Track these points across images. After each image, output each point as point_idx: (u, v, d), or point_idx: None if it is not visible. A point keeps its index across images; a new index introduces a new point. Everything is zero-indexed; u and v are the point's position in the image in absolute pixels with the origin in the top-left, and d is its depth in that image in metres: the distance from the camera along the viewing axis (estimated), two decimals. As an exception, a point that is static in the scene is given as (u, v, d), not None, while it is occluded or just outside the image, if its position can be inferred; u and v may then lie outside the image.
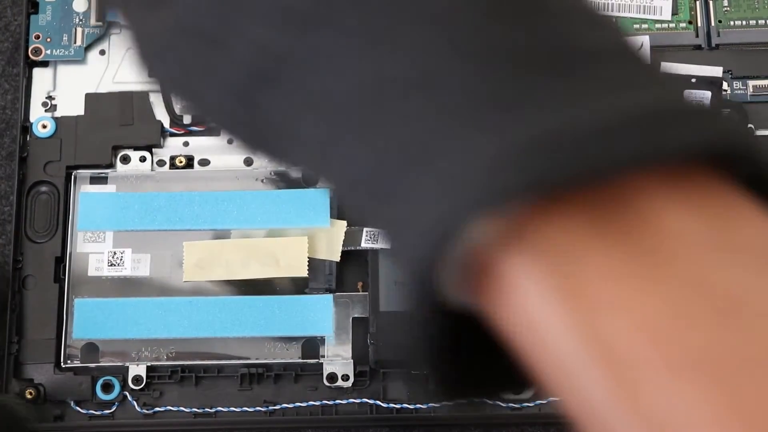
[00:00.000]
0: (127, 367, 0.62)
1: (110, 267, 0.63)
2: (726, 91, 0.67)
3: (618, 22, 0.23)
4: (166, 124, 0.67)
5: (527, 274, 0.20)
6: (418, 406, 0.62)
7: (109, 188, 0.65)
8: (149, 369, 0.62)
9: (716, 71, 0.66)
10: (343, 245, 0.63)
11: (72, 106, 0.67)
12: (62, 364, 0.62)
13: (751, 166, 0.20)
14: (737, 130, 0.20)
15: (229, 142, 0.66)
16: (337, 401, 0.62)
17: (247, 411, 0.62)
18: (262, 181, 0.65)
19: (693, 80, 0.66)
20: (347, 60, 0.22)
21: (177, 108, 0.66)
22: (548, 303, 0.20)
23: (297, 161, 0.25)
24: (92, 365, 0.62)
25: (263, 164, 0.66)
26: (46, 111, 0.67)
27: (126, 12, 0.27)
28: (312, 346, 0.62)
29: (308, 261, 0.62)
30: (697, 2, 0.68)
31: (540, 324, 0.20)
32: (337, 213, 0.64)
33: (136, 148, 0.66)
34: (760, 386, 0.18)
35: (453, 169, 0.20)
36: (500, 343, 0.22)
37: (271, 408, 0.62)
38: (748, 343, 0.18)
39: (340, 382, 0.62)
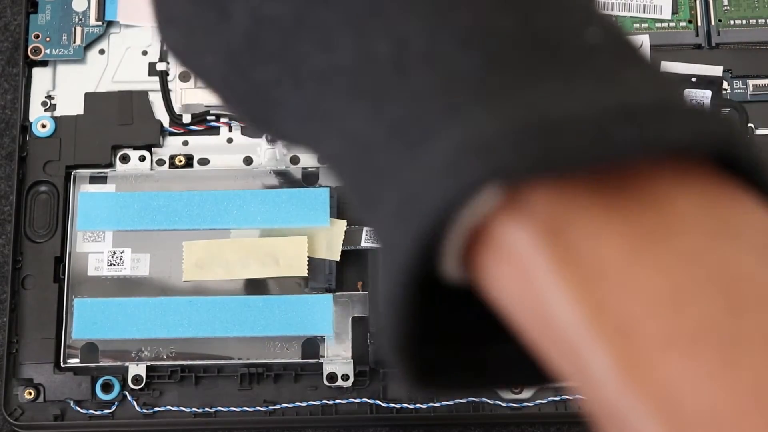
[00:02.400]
0: (127, 367, 0.62)
1: (110, 267, 0.63)
2: (726, 90, 0.67)
3: (617, 20, 0.23)
4: (166, 123, 0.66)
5: (533, 245, 0.20)
6: (418, 406, 0.62)
7: (108, 188, 0.65)
8: (149, 369, 0.62)
9: (716, 70, 0.66)
10: (343, 245, 0.63)
11: (71, 105, 0.67)
12: (62, 364, 0.62)
13: (748, 164, 0.21)
14: (737, 130, 0.20)
15: (229, 141, 0.66)
16: (337, 401, 0.62)
17: (247, 411, 0.62)
18: (265, 176, 0.65)
19: (693, 79, 0.66)
20: (344, 33, 0.22)
21: (177, 108, 0.66)
22: (552, 274, 0.20)
23: (286, 132, 0.25)
24: (92, 365, 0.62)
25: (263, 163, 0.65)
26: (45, 110, 0.67)
27: None
28: (312, 345, 0.62)
29: (308, 260, 0.62)
30: (697, 1, 0.68)
31: (543, 295, 0.20)
32: (336, 212, 0.64)
33: (136, 148, 0.66)
34: (757, 358, 0.18)
35: (462, 140, 0.20)
36: (499, 323, 0.22)
37: (271, 408, 0.62)
38: (745, 319, 0.19)
39: (340, 382, 0.62)
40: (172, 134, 0.67)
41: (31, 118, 0.67)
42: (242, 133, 0.66)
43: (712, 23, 0.68)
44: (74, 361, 0.62)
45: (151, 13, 0.27)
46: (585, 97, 0.20)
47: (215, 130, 0.67)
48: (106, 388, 0.62)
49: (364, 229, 0.63)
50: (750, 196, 0.21)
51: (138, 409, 0.62)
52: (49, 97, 0.67)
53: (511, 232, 0.20)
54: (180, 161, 0.66)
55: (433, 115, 0.21)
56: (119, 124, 0.66)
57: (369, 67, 0.22)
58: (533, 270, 0.20)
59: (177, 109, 0.66)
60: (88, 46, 0.68)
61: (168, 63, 0.67)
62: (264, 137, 0.65)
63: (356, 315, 0.63)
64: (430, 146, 0.20)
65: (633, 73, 0.21)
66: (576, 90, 0.20)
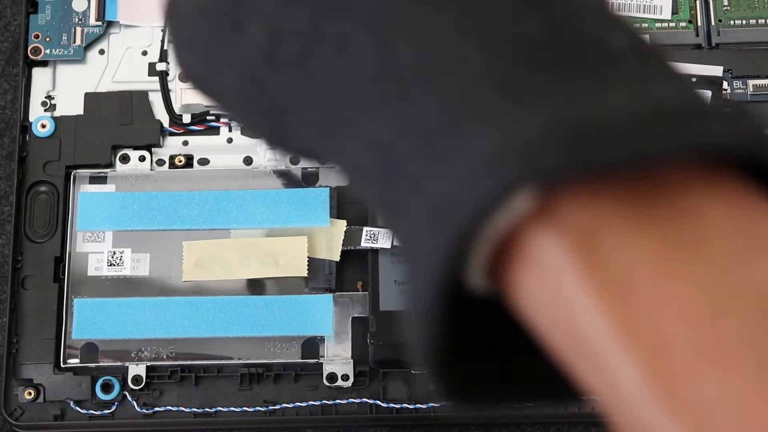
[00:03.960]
0: (127, 367, 0.62)
1: (110, 267, 0.63)
2: (726, 90, 0.67)
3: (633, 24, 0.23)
4: (166, 123, 0.66)
5: (563, 254, 0.20)
6: (418, 406, 0.62)
7: (108, 188, 0.65)
8: (149, 369, 0.62)
9: (716, 70, 0.66)
10: (342, 245, 0.63)
11: (71, 105, 0.67)
12: (62, 364, 0.62)
13: None
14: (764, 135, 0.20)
15: (229, 141, 0.66)
16: (337, 401, 0.62)
17: (246, 411, 0.62)
18: (264, 176, 0.65)
19: (693, 79, 0.66)
20: (364, 40, 0.22)
21: (177, 108, 0.66)
22: (582, 285, 0.19)
23: (306, 145, 0.25)
24: (92, 365, 0.62)
25: (263, 163, 0.65)
26: (45, 110, 0.67)
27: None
28: (312, 345, 0.62)
29: (308, 260, 0.62)
30: (697, 1, 0.68)
31: (572, 305, 0.20)
32: (336, 212, 0.64)
33: (136, 148, 0.66)
34: None
35: (499, 142, 0.20)
36: (527, 336, 0.21)
37: (270, 408, 0.62)
38: None
39: (339, 382, 0.62)
40: (172, 134, 0.67)
41: (31, 118, 0.67)
42: (242, 134, 0.66)
43: (712, 23, 0.68)
44: (74, 361, 0.62)
45: (170, 42, 0.26)
46: (618, 99, 0.20)
47: (215, 130, 0.67)
48: (106, 388, 0.62)
49: (364, 228, 0.63)
50: None
51: (138, 409, 0.62)
52: (49, 97, 0.67)
53: (541, 240, 0.20)
54: (180, 161, 0.66)
55: (463, 119, 0.20)
56: (119, 124, 0.66)
57: (393, 72, 0.22)
58: (563, 280, 0.20)
59: (177, 109, 0.66)
60: (88, 46, 0.68)
61: (168, 63, 0.67)
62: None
63: (356, 315, 0.63)
64: (462, 150, 0.20)
65: (661, 76, 0.21)
66: (608, 93, 0.20)
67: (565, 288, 0.20)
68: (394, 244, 0.24)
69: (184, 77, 0.28)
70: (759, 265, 0.19)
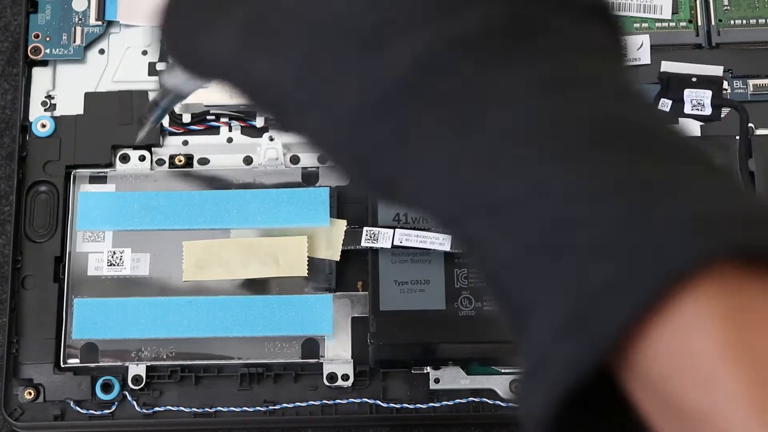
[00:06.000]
0: (127, 367, 0.62)
1: (110, 267, 0.63)
2: (726, 90, 0.67)
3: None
4: (166, 123, 0.66)
5: (700, 314, 0.21)
6: (418, 406, 0.62)
7: (108, 188, 0.65)
8: (149, 369, 0.62)
9: (716, 70, 0.66)
10: (342, 244, 0.63)
11: (71, 105, 0.67)
12: (62, 364, 0.62)
13: None
14: None
15: (229, 141, 0.66)
16: (337, 401, 0.62)
17: (246, 411, 0.62)
18: (263, 177, 0.65)
19: (693, 79, 0.66)
20: (523, 97, 0.24)
21: (177, 108, 0.66)
22: (726, 363, 0.21)
23: (419, 187, 0.25)
24: (92, 365, 0.62)
25: (263, 163, 0.65)
26: (45, 110, 0.67)
27: None
28: (312, 345, 0.62)
29: (308, 260, 0.62)
30: (698, 1, 0.68)
31: (693, 348, 0.21)
32: (336, 212, 0.64)
33: (136, 147, 0.66)
34: None
35: (697, 214, 0.22)
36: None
37: (270, 408, 0.62)
38: None
39: (340, 382, 0.62)
40: (172, 134, 0.67)
41: (31, 118, 0.67)
42: (242, 133, 0.66)
43: (713, 23, 0.68)
44: (74, 361, 0.62)
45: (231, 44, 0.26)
46: (749, 198, 0.23)
47: (215, 130, 0.67)
48: (106, 388, 0.62)
49: (364, 228, 0.63)
50: None
51: (138, 409, 0.62)
52: (49, 96, 0.67)
53: (698, 304, 0.21)
54: (180, 161, 0.66)
55: (656, 184, 0.22)
56: (119, 123, 0.66)
57: (562, 131, 0.23)
58: (703, 355, 0.21)
59: (177, 108, 0.66)
60: (88, 46, 0.68)
61: (168, 63, 0.67)
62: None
63: (356, 315, 0.63)
64: (667, 208, 0.22)
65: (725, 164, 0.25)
66: (735, 190, 0.23)
67: (703, 363, 0.21)
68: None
69: (255, 91, 0.27)
70: None
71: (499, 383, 0.62)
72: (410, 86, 0.24)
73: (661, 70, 0.66)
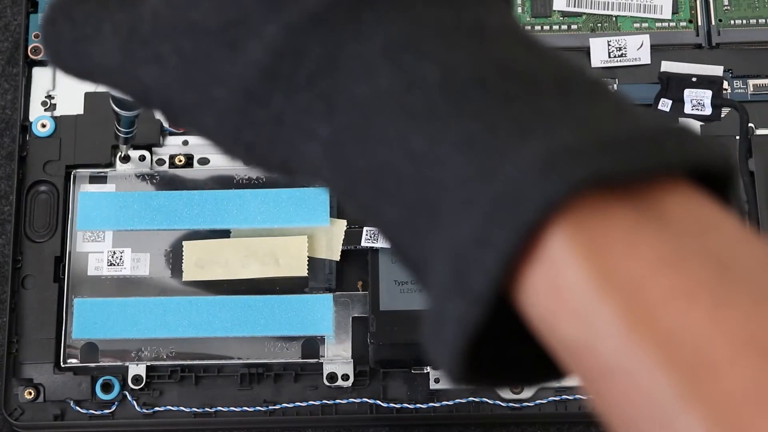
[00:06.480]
0: (127, 367, 0.62)
1: (110, 266, 0.63)
2: (726, 90, 0.67)
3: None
4: (166, 123, 0.66)
5: (560, 239, 0.22)
6: (418, 405, 0.62)
7: (108, 188, 0.65)
8: (149, 369, 0.62)
9: (716, 70, 0.66)
10: (342, 244, 0.63)
11: (71, 105, 0.67)
12: (62, 363, 0.62)
13: (725, 181, 0.24)
14: (731, 157, 0.24)
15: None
16: (337, 401, 0.62)
17: (247, 411, 0.62)
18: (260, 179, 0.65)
19: (693, 79, 0.66)
20: (383, 63, 0.24)
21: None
22: (569, 253, 0.22)
23: (285, 161, 0.26)
24: (92, 365, 0.62)
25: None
26: (45, 110, 0.67)
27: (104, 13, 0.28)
28: (312, 345, 0.62)
29: (308, 260, 0.62)
30: (698, 1, 0.68)
31: (561, 276, 0.22)
32: (336, 212, 0.64)
33: (136, 147, 0.66)
34: (744, 304, 0.21)
35: (556, 147, 0.22)
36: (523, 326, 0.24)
37: (271, 408, 0.62)
38: (730, 281, 0.21)
39: (340, 382, 0.62)
40: (172, 134, 0.67)
41: (31, 118, 0.67)
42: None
43: (713, 23, 0.68)
44: (74, 361, 0.62)
45: (121, 54, 0.27)
46: (631, 119, 0.23)
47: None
48: (106, 388, 0.62)
49: (364, 228, 0.63)
50: (727, 210, 0.24)
51: (138, 409, 0.62)
52: (49, 96, 0.67)
53: (553, 233, 0.22)
54: (180, 161, 0.66)
55: (503, 132, 0.23)
56: (119, 123, 0.66)
57: (418, 90, 0.24)
58: (555, 255, 0.22)
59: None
60: (88, 46, 0.68)
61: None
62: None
63: (356, 315, 0.63)
64: (509, 157, 0.22)
65: (631, 103, 0.24)
66: (617, 114, 0.23)
67: (556, 259, 0.22)
68: (387, 245, 0.25)
69: (146, 96, 0.29)
70: (709, 236, 0.22)
71: (499, 383, 0.61)
72: (271, 74, 0.25)
73: (661, 70, 0.66)
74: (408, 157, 0.23)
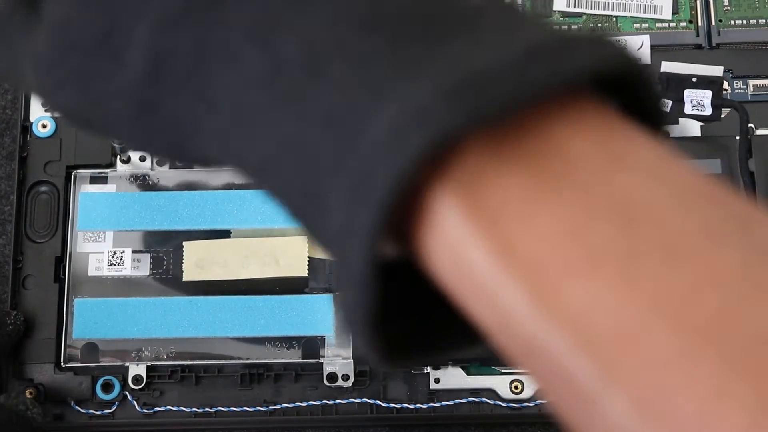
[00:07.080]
0: (127, 367, 0.62)
1: (110, 267, 0.64)
2: (726, 90, 0.67)
3: None
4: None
5: (451, 205, 0.21)
6: (418, 405, 0.62)
7: (108, 188, 0.65)
8: (149, 369, 0.62)
9: (717, 70, 0.66)
10: (343, 245, 0.63)
11: (72, 105, 0.67)
12: (62, 363, 0.62)
13: (639, 92, 0.22)
14: (628, 55, 0.22)
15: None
16: (337, 401, 0.62)
17: (247, 411, 0.62)
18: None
19: (693, 79, 0.66)
20: (248, 47, 0.23)
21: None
22: (465, 227, 0.21)
23: (209, 155, 0.26)
24: (92, 365, 0.62)
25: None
26: (46, 111, 0.67)
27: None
28: (312, 345, 0.62)
29: (308, 260, 0.62)
30: (698, 1, 0.68)
31: (461, 253, 0.21)
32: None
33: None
34: (653, 269, 0.19)
35: (399, 113, 0.21)
36: (438, 290, 0.23)
37: (271, 408, 0.62)
38: (639, 237, 0.20)
39: (340, 382, 0.62)
40: (172, 134, 0.67)
41: (32, 118, 0.67)
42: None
43: (713, 23, 0.68)
44: (75, 362, 0.62)
45: (36, 87, 0.27)
46: (492, 49, 0.21)
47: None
48: (107, 388, 0.62)
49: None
50: (643, 130, 0.22)
51: (138, 409, 0.62)
52: (50, 97, 0.67)
53: (437, 196, 0.21)
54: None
55: (360, 100, 0.21)
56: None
57: (282, 71, 0.23)
58: (452, 227, 0.21)
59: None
60: (88, 47, 0.68)
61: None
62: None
63: (356, 315, 0.63)
64: (367, 127, 0.21)
65: (524, 24, 0.23)
66: (480, 46, 0.21)
67: (453, 234, 0.21)
68: (307, 227, 0.24)
69: (61, 116, 0.29)
70: (617, 180, 0.21)
71: (499, 383, 0.62)
72: (154, 79, 0.24)
73: (661, 70, 0.66)
74: (283, 145, 0.23)
